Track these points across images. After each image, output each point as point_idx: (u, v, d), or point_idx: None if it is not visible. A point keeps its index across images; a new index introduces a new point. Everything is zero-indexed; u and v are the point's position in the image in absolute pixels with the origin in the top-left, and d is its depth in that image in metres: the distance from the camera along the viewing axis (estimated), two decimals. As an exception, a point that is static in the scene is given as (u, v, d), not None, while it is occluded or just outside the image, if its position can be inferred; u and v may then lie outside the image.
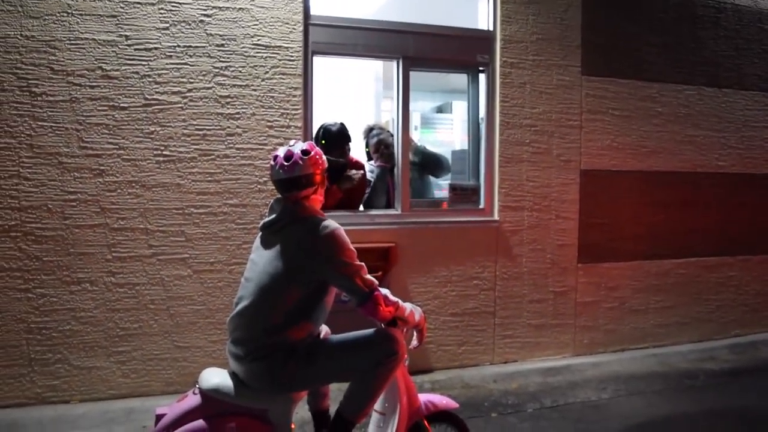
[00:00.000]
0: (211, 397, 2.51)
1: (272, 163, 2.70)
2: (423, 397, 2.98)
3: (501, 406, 4.45)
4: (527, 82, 5.16)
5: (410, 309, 2.74)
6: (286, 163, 2.64)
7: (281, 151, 2.69)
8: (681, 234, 5.83)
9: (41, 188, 4.00)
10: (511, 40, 5.11)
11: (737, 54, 6.01)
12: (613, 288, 5.58)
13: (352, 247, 2.59)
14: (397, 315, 2.65)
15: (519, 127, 5.14)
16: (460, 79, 5.46)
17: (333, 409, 2.82)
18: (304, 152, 2.67)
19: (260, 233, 2.75)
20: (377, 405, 2.85)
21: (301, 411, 3.03)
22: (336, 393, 2.96)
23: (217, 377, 2.58)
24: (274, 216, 2.66)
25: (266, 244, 2.66)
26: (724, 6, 5.93)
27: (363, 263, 2.59)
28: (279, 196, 2.73)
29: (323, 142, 4.63)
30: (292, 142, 2.78)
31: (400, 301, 2.67)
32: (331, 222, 2.60)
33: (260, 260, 2.63)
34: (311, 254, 2.52)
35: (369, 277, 2.58)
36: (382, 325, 2.74)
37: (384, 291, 2.65)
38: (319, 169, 2.71)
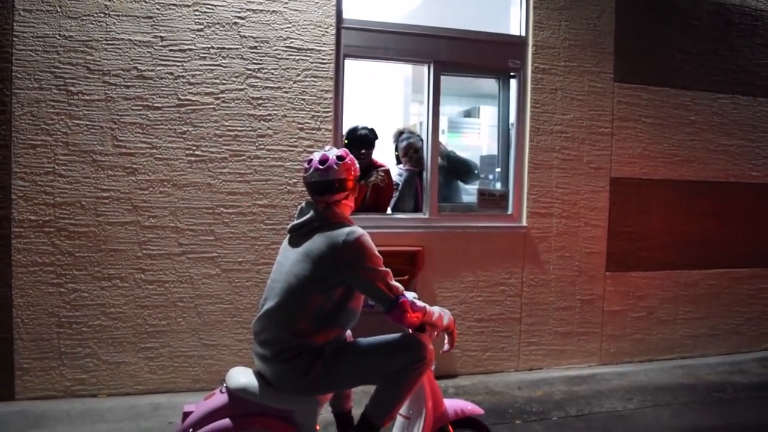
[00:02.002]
0: (238, 396, 2.53)
1: (306, 165, 2.72)
2: (448, 403, 2.98)
3: (525, 413, 4.42)
4: (559, 89, 5.13)
5: (438, 313, 2.74)
6: (320, 167, 2.66)
7: (316, 155, 2.72)
8: (711, 244, 5.74)
9: (75, 185, 4.08)
10: (543, 46, 5.08)
11: (774, 63, 5.91)
12: (641, 297, 5.51)
13: (378, 253, 2.59)
14: (424, 321, 2.65)
15: (549, 133, 5.11)
16: (488, 84, 5.43)
17: (356, 411, 2.83)
18: (339, 158, 2.70)
19: (288, 235, 2.77)
20: (403, 409, 2.85)
21: (324, 412, 3.04)
22: (359, 395, 2.97)
23: (244, 377, 2.60)
24: (303, 219, 2.68)
25: (294, 246, 2.68)
26: (762, 14, 5.83)
27: (389, 269, 2.59)
28: (309, 198, 2.76)
29: (346, 141, 4.71)
30: (327, 146, 2.82)
31: (427, 306, 2.67)
32: (358, 229, 2.61)
33: (287, 262, 2.65)
34: (337, 260, 2.53)
35: (395, 283, 2.58)
36: (410, 330, 2.74)
37: (411, 296, 2.66)
38: (352, 175, 2.73)
